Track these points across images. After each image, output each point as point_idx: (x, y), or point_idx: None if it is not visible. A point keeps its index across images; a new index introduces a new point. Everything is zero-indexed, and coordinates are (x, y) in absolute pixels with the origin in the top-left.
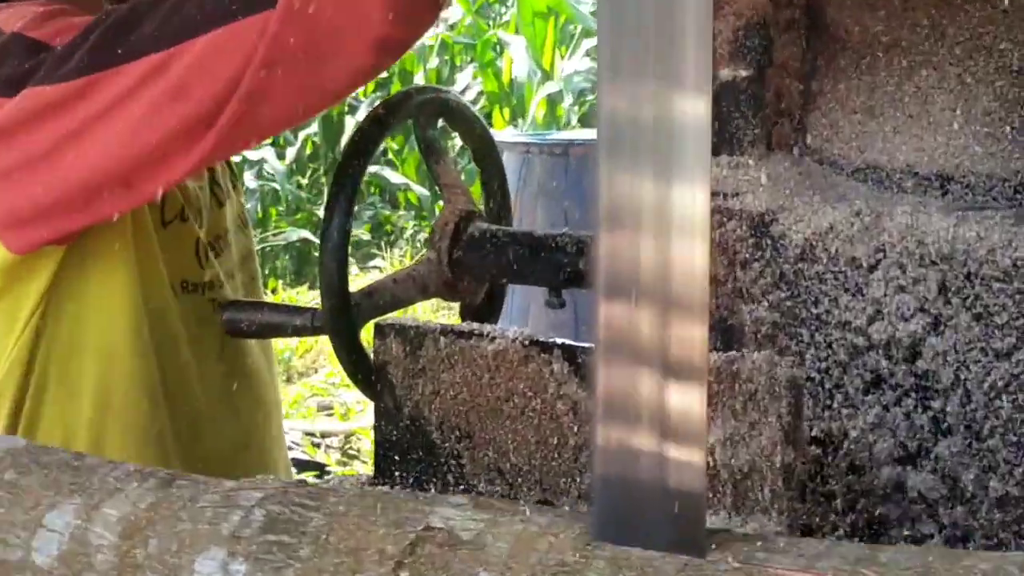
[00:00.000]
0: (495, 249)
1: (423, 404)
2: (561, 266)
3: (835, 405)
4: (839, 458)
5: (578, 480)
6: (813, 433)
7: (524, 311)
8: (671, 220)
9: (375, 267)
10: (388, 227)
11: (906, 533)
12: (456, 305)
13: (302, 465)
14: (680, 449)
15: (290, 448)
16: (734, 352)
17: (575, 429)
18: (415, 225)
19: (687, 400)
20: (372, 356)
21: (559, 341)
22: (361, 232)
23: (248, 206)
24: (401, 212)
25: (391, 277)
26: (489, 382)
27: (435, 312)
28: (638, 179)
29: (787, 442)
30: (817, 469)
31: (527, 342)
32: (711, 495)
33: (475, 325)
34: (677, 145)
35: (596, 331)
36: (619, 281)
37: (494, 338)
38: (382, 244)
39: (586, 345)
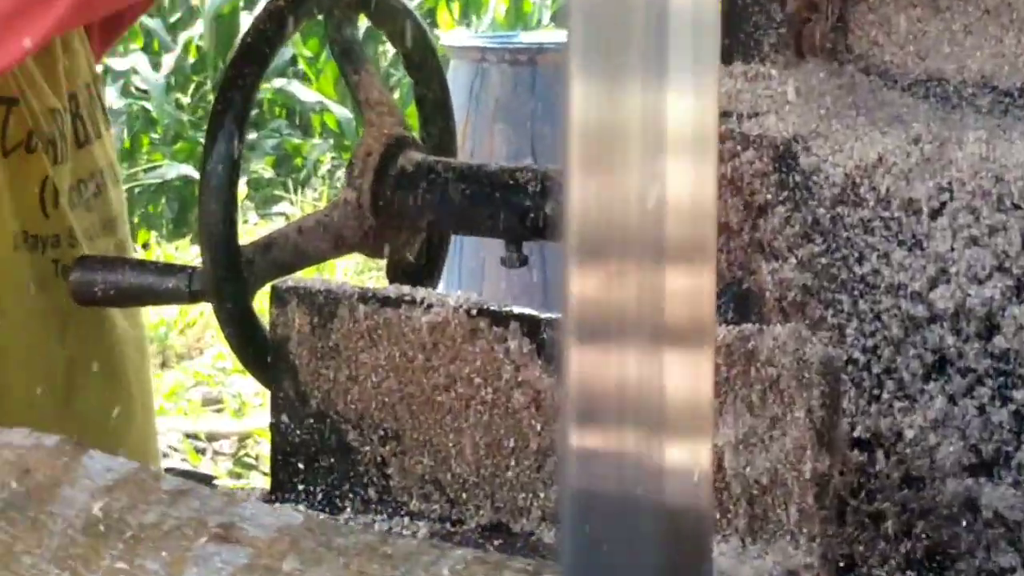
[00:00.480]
0: (434, 188)
1: (336, 394)
2: (522, 211)
3: (885, 396)
4: (890, 467)
5: (542, 496)
6: (856, 433)
7: (475, 272)
8: (665, 147)
9: (280, 214)
10: (298, 161)
11: (979, 566)
12: (383, 263)
13: (182, 478)
14: (678, 455)
15: (165, 455)
16: (750, 325)
17: (538, 428)
18: (334, 158)
19: (687, 390)
20: (268, 330)
21: (517, 311)
22: (262, 168)
23: (111, 132)
24: (315, 141)
25: (295, 226)
26: (425, 365)
27: (357, 274)
28: (622, 91)
29: (820, 445)
30: (861, 481)
31: (475, 312)
32: (719, 516)
33: (407, 289)
34: (675, 45)
35: (566, 298)
36: (597, 230)
37: (431, 306)
38: (289, 184)
39: (553, 316)
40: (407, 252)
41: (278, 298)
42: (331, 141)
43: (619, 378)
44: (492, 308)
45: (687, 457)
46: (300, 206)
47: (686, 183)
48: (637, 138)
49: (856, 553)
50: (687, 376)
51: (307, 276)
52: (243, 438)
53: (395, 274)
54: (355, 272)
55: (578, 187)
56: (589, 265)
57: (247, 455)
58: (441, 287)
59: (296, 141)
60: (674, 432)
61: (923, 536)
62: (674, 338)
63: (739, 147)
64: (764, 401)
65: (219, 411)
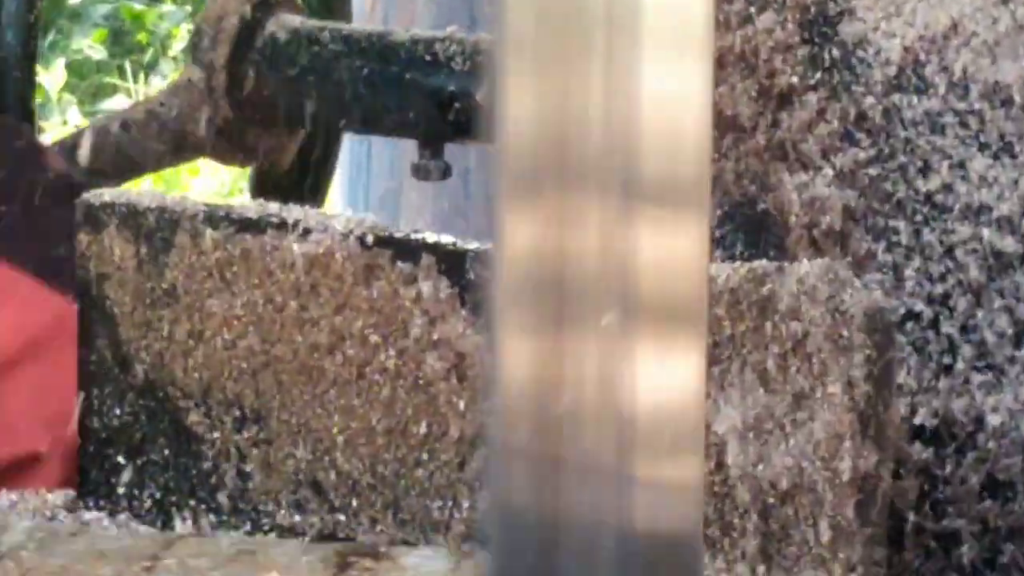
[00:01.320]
0: (318, 65)
1: (173, 358)
2: (443, 99)
3: (960, 366)
4: (967, 467)
5: (464, 503)
6: (917, 420)
7: (388, 199)
8: (641, 35)
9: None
10: (141, 36)
11: None
12: (244, 172)
13: None
14: (655, 465)
15: None
16: (766, 263)
17: (461, 408)
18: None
19: (668, 360)
20: (76, 266)
21: (431, 239)
22: (88, 45)
23: None
24: (166, 7)
25: (119, 118)
26: (299, 317)
27: (223, 197)
28: None
29: (864, 435)
30: (925, 488)
31: (371, 240)
32: (720, 534)
33: (274, 208)
34: None
35: (497, 251)
36: (541, 154)
37: (308, 232)
38: (128, 68)
39: (482, 247)
40: (279, 157)
41: (89, 218)
42: (188, 8)
43: (569, 348)
44: (396, 235)
45: (667, 467)
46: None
47: (668, 63)
48: (601, 20)
49: None
50: (668, 344)
51: (133, 189)
52: None
53: (262, 188)
54: (218, 195)
55: (516, 90)
56: (530, 204)
57: None
58: (328, 208)
59: (138, 7)
60: (649, 436)
61: (1014, 567)
62: (651, 312)
63: (752, 9)
64: (785, 371)
65: None
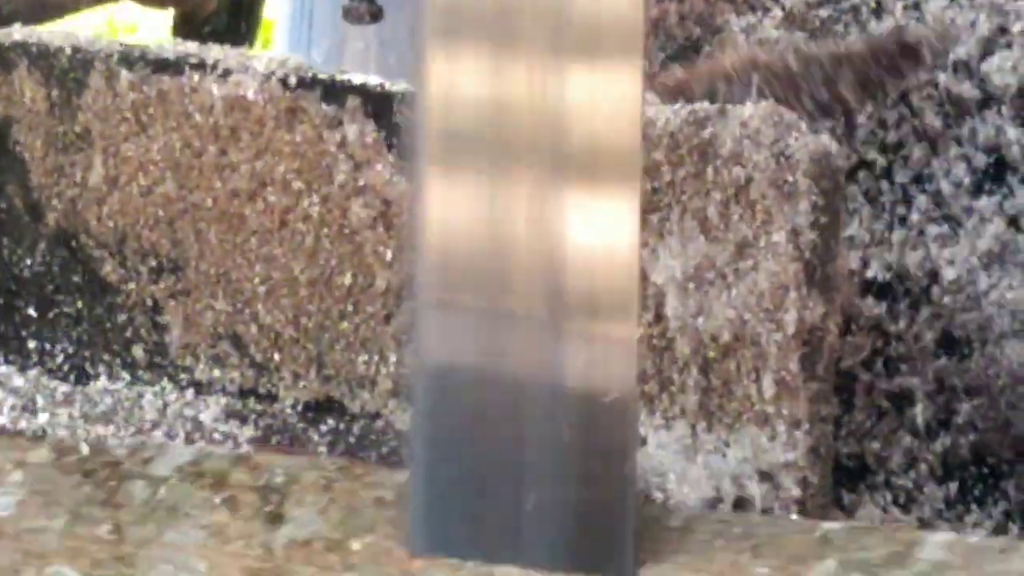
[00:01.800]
0: None
1: (86, 206)
2: None
3: (914, 217)
4: (921, 324)
5: (391, 357)
6: (870, 273)
7: (332, 41)
8: None
9: None
10: None
11: None
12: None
13: None
14: (587, 308)
15: None
16: (706, 104)
17: (388, 258)
18: None
19: (601, 209)
20: None
21: (357, 80)
22: None
23: None
24: None
25: None
26: (218, 161)
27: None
28: None
29: (811, 285)
30: (877, 346)
31: (295, 81)
32: (658, 389)
33: (193, 47)
34: None
35: (420, 87)
36: None
37: (228, 72)
38: None
39: (410, 89)
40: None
41: None
42: None
43: (503, 214)
44: (320, 76)
45: (601, 321)
46: None
47: None
48: None
49: (868, 452)
50: (602, 213)
51: (44, 28)
52: None
53: (186, 29)
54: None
55: None
56: (455, 48)
57: None
58: (256, 50)
59: None
60: (581, 288)
61: (969, 428)
62: (583, 158)
63: None
64: (727, 218)
65: None
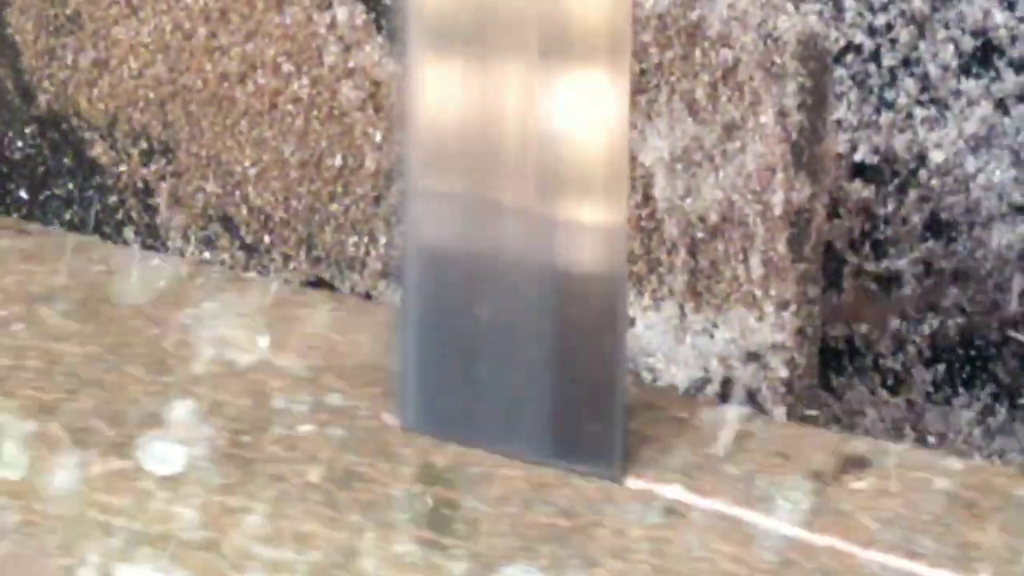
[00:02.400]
0: None
1: (77, 88)
2: None
3: (902, 100)
4: (909, 206)
5: (380, 239)
6: (857, 157)
7: None
8: None
9: None
10: None
11: None
12: None
13: None
14: (576, 192)
15: None
16: None
17: (377, 139)
18: None
19: (590, 90)
20: None
21: None
22: None
23: None
24: None
25: None
26: (209, 44)
27: None
28: None
29: (798, 166)
30: (865, 228)
31: None
32: (646, 270)
33: None
34: None
35: None
36: None
37: None
38: None
39: None
40: None
41: None
42: None
43: (492, 97)
44: None
45: (590, 204)
46: None
47: None
48: None
49: (856, 334)
50: (590, 98)
51: None
52: None
53: None
54: None
55: None
56: None
57: None
58: None
59: None
60: (570, 172)
61: (957, 310)
62: (573, 40)
63: None
64: (714, 100)
65: None
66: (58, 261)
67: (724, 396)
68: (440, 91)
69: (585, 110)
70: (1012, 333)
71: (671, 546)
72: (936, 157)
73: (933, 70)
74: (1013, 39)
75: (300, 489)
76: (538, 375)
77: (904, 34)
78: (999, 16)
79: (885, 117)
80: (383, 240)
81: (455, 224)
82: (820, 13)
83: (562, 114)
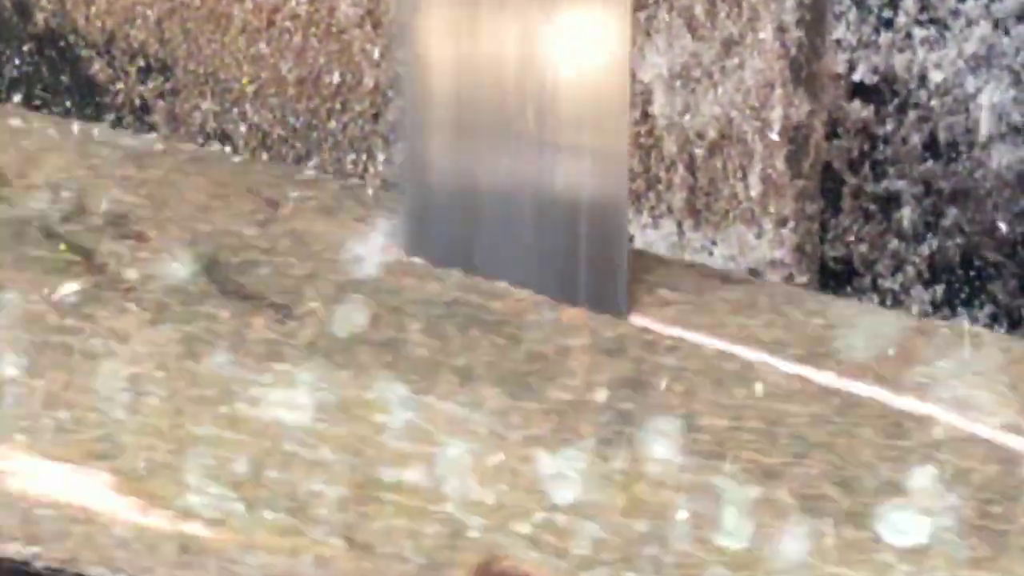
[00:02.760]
0: None
1: (74, 3)
2: None
3: (900, 19)
4: (908, 127)
5: (379, 156)
6: (856, 77)
7: None
8: None
9: None
10: None
11: None
12: None
13: None
14: (576, 119)
15: None
16: None
17: (375, 56)
18: None
19: (592, 15)
20: None
21: None
22: None
23: None
24: None
25: None
26: None
27: None
28: None
29: (796, 82)
30: (864, 149)
31: None
32: (645, 187)
33: None
34: None
35: None
36: None
37: None
38: None
39: None
40: None
41: None
42: None
43: (491, 23)
44: None
45: (590, 131)
46: None
47: None
48: None
49: (856, 255)
50: (592, 24)
51: None
52: None
53: None
54: None
55: None
56: None
57: None
58: None
59: None
60: (568, 100)
61: (956, 231)
62: None
63: None
64: (713, 16)
65: None
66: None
67: None
68: (439, 25)
69: (588, 36)
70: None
71: None
72: (936, 77)
73: None
74: None
75: None
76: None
77: None
78: None
79: (884, 37)
80: (381, 157)
81: (455, 155)
82: None
83: (564, 41)
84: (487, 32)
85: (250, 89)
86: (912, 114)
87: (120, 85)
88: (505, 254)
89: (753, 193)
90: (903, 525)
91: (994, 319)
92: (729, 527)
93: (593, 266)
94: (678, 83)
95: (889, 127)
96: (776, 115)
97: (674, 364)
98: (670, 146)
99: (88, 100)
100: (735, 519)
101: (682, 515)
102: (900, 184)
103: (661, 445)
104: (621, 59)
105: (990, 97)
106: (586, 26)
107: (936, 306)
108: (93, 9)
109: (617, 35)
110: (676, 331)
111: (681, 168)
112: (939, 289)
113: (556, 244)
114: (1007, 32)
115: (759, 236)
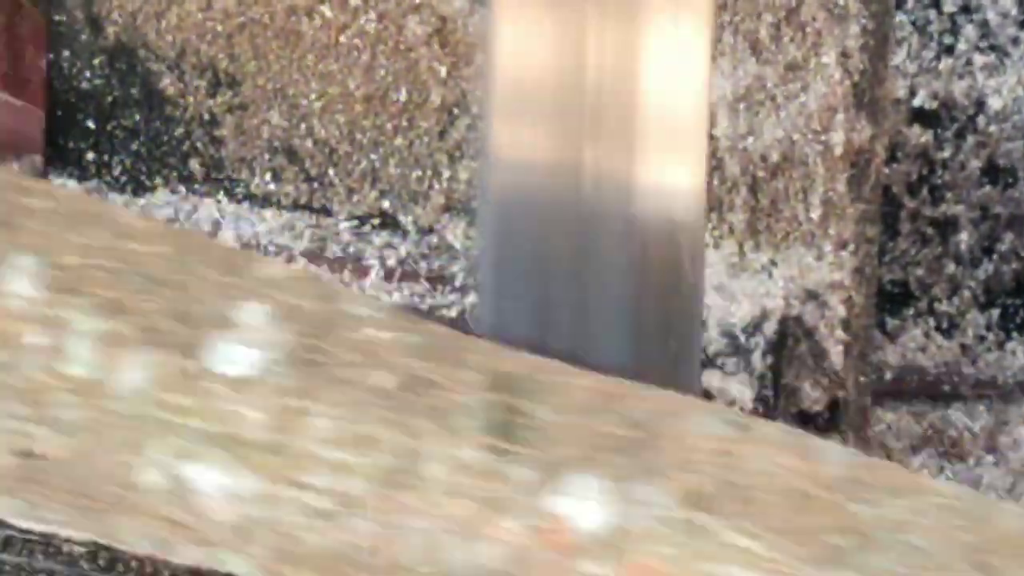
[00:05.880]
0: None
1: (145, 20)
2: None
3: (961, 46)
4: (967, 152)
5: (446, 175)
6: (916, 102)
7: None
8: None
9: None
10: None
11: None
12: None
13: None
14: (660, 133)
15: None
16: None
17: (442, 74)
18: None
19: (676, 35)
20: None
21: None
22: None
23: None
24: None
25: None
26: None
27: None
28: None
29: (859, 108)
30: (922, 173)
31: None
32: (707, 212)
33: None
34: None
35: None
36: None
37: None
38: None
39: None
40: None
41: None
42: None
43: (576, 40)
44: None
45: (670, 146)
46: None
47: None
48: None
49: (912, 278)
50: (674, 43)
51: None
52: None
53: None
54: None
55: None
56: None
57: None
58: None
59: None
60: (650, 116)
61: (1012, 256)
62: None
63: None
64: (777, 40)
65: None
66: None
67: (781, 334)
68: (523, 33)
69: (670, 53)
70: None
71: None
72: (994, 103)
73: (993, 17)
74: None
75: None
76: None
77: None
78: None
79: (945, 63)
80: (446, 174)
81: (536, 167)
82: None
83: (647, 57)
84: (572, 42)
85: (318, 105)
86: (971, 139)
87: (189, 99)
88: None
89: (814, 215)
90: (234, 356)
91: None
92: (76, 356)
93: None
94: (741, 106)
95: (947, 152)
96: (838, 139)
97: (38, 205)
98: (732, 168)
99: (157, 114)
100: (82, 349)
101: (33, 344)
102: (958, 208)
103: (19, 281)
104: (701, 79)
105: None
106: (669, 44)
107: (991, 330)
108: (164, 24)
109: (698, 55)
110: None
111: (743, 190)
112: (994, 313)
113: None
114: None
115: (819, 258)
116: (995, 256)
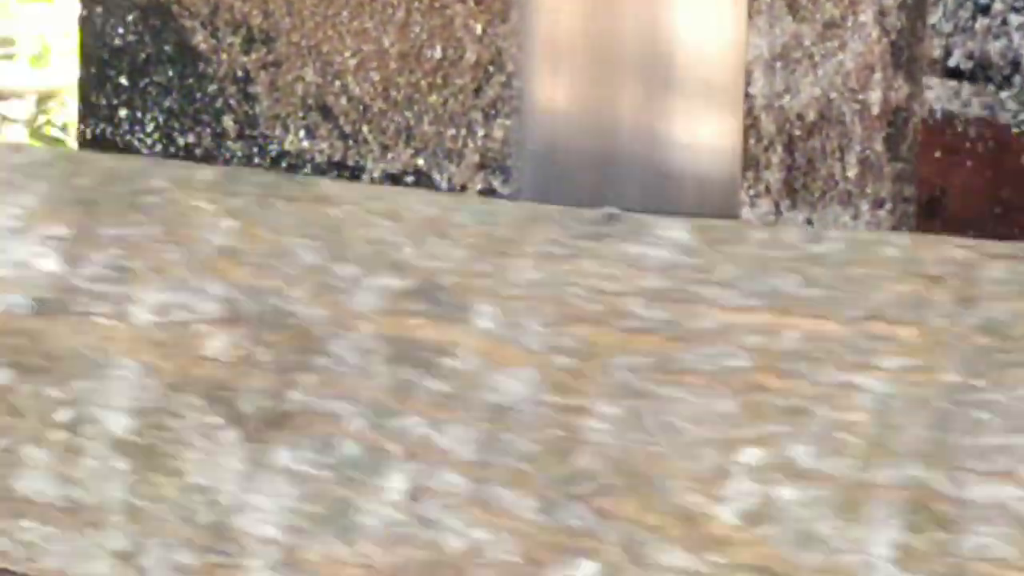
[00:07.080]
0: None
1: None
2: None
3: (998, 6)
4: (997, 108)
5: (480, 133)
6: (951, 61)
7: None
8: None
9: None
10: None
11: None
12: None
13: None
14: (692, 104)
15: None
16: None
17: (478, 31)
18: None
19: (705, 22)
20: None
21: None
22: None
23: None
24: None
25: None
26: None
27: None
28: None
29: (897, 66)
30: (953, 123)
31: None
32: (743, 168)
33: None
34: None
35: None
36: None
37: None
38: None
39: None
40: None
41: None
42: None
43: (609, 5)
44: None
45: (704, 103)
46: None
47: None
48: None
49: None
50: (707, 1)
51: None
52: (45, 98)
53: None
54: None
55: None
56: None
57: (50, 123)
58: None
59: None
60: (684, 73)
61: None
62: None
63: None
64: (817, 3)
65: (10, 57)
66: None
67: None
68: None
69: (703, 20)
70: None
71: None
72: None
73: None
74: None
75: None
76: None
77: None
78: None
79: (980, 23)
80: (481, 132)
81: (570, 123)
82: None
83: (683, 16)
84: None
85: (352, 62)
86: (1006, 89)
87: (223, 56)
88: None
89: (851, 174)
90: None
91: None
92: None
93: None
94: (778, 64)
95: (975, 104)
96: (875, 97)
97: None
98: (768, 126)
99: (190, 70)
100: None
101: None
102: (989, 173)
103: None
104: (738, 36)
105: None
106: (706, 1)
107: None
108: None
109: (735, 12)
110: None
111: (779, 148)
112: None
113: None
114: None
115: (856, 217)
116: None
